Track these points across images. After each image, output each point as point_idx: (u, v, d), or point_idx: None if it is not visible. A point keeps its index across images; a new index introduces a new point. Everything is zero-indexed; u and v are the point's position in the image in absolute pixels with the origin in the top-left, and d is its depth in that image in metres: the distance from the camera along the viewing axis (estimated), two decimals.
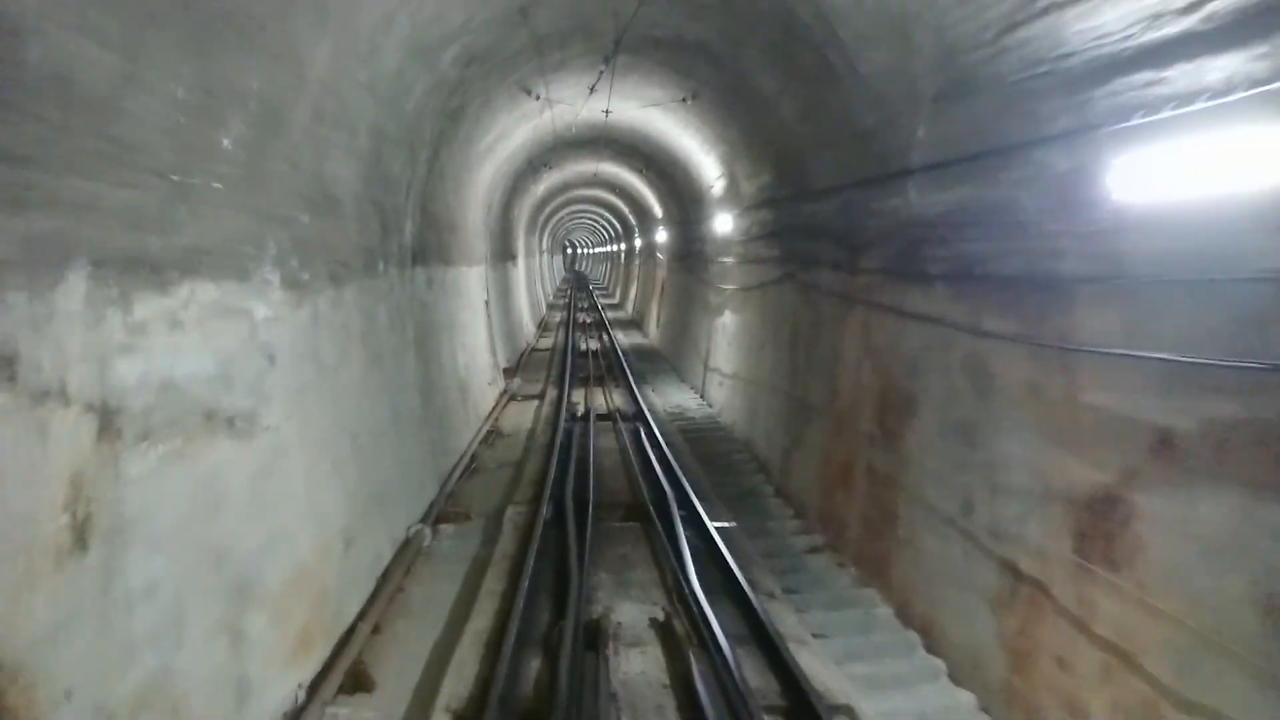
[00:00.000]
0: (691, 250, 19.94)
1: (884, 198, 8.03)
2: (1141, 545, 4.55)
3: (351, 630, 6.28)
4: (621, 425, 13.37)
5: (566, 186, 29.70)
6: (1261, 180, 3.83)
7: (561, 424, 13.09)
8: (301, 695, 5.35)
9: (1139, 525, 4.58)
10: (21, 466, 3.33)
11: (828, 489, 9.13)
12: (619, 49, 10.55)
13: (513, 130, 14.50)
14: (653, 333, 26.68)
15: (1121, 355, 4.78)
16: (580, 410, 14.44)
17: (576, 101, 13.55)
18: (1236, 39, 3.91)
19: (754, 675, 5.48)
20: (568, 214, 46.24)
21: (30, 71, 3.33)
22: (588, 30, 10.46)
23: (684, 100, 12.82)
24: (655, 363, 21.73)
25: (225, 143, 5.09)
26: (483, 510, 9.46)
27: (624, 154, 20.35)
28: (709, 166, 15.33)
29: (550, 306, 40.39)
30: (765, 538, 8.77)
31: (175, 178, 4.54)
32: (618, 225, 42.29)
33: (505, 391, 16.66)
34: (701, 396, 16.78)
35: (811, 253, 10.46)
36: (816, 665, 5.62)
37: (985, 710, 5.54)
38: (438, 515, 9.08)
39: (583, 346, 23.31)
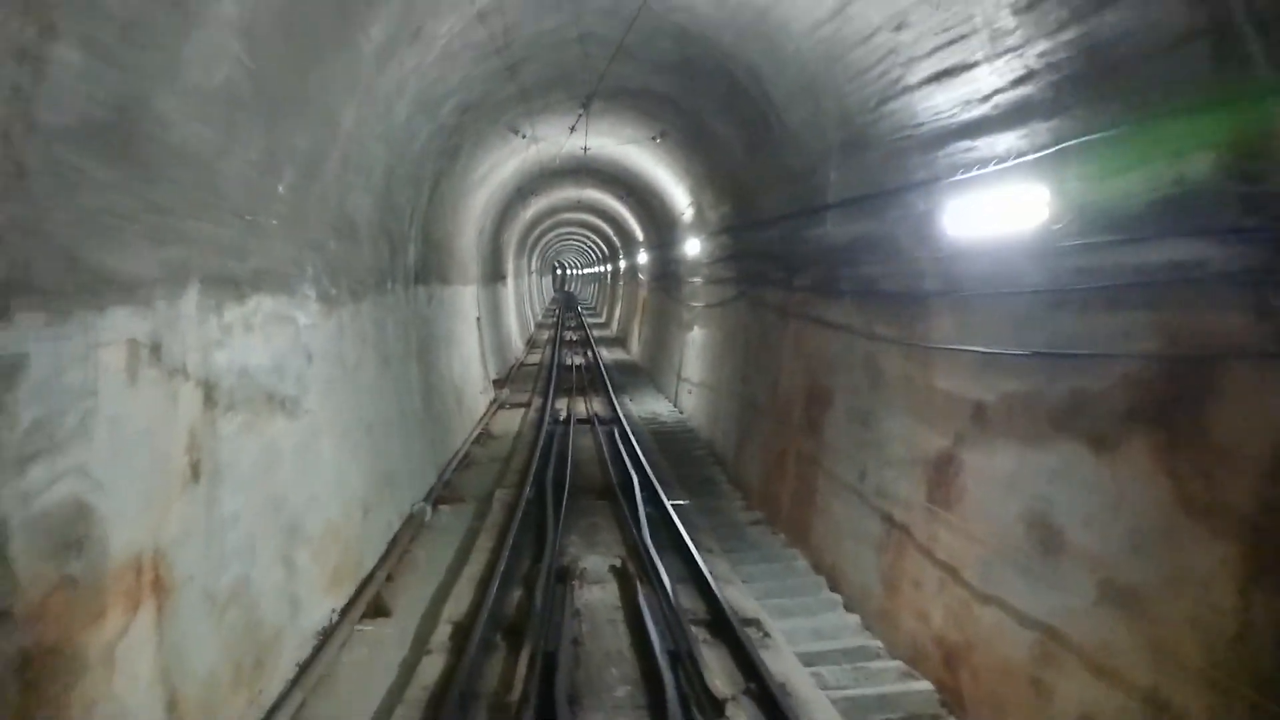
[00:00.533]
0: (667, 271, 21.61)
1: (811, 227, 9.67)
2: (965, 489, 6.15)
3: (369, 577, 7.79)
4: (599, 428, 14.92)
5: (554, 211, 31.39)
6: (1025, 223, 5.45)
7: (545, 427, 14.63)
8: (335, 617, 6.86)
9: (964, 475, 6.18)
10: (164, 419, 4.89)
11: (768, 474, 10.72)
12: (594, 97, 12.21)
13: (502, 163, 16.16)
14: (635, 349, 28.27)
15: (955, 349, 6.41)
16: (563, 415, 15.99)
17: (559, 139, 15.21)
18: (1011, 122, 5.55)
19: (687, 601, 7.03)
20: (555, 236, 47.94)
21: (170, 149, 4.92)
22: (568, 81, 12.11)
23: (654, 139, 14.49)
24: (635, 376, 23.31)
25: (280, 189, 6.68)
26: (475, 494, 10.98)
27: (606, 182, 22.04)
28: (680, 196, 17.01)
29: (539, 325, 41.94)
30: (714, 514, 10.34)
31: (248, 218, 6.13)
32: (604, 247, 43.97)
33: (495, 400, 18.19)
34: (674, 404, 18.36)
35: (760, 274, 12.11)
36: (739, 597, 7.17)
37: (867, 629, 7.10)
38: (437, 498, 10.60)
39: (568, 362, 24.90)
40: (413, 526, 9.42)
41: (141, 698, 4.37)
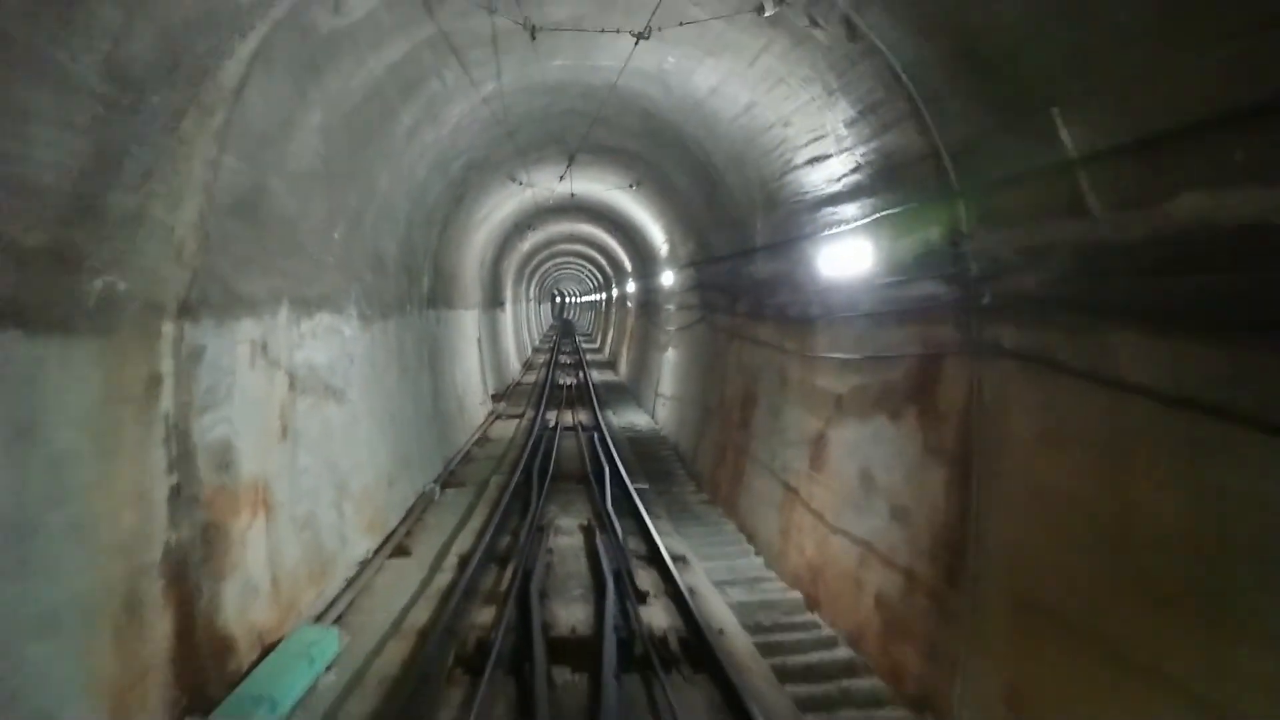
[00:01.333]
0: (649, 300, 24.07)
1: (747, 265, 12.10)
2: (829, 457, 8.52)
3: (393, 531, 10.12)
4: (582, 434, 17.26)
5: (550, 243, 33.93)
6: (861, 267, 7.87)
7: (536, 432, 16.97)
8: (370, 553, 9.19)
9: (829, 447, 8.55)
10: (266, 394, 7.26)
11: (714, 464, 13.07)
12: (579, 153, 14.71)
13: (502, 205, 18.66)
14: (623, 370, 30.66)
15: (827, 357, 8.81)
16: (552, 424, 18.34)
17: (551, 184, 17.72)
18: (852, 197, 7.99)
19: (633, 545, 9.36)
20: (553, 265, 50.46)
21: (274, 214, 7.34)
22: (557, 140, 14.60)
23: (630, 186, 16.99)
24: (620, 394, 25.67)
25: (335, 236, 9.12)
26: (475, 481, 13.31)
27: (595, 218, 24.55)
28: (657, 233, 19.49)
29: (535, 350, 44.31)
30: (669, 495, 12.66)
31: (315, 257, 8.55)
32: (599, 276, 46.47)
33: (492, 411, 20.55)
34: (651, 416, 20.71)
35: (714, 302, 14.54)
36: (674, 544, 9.49)
37: (768, 566, 9.42)
38: (443, 482, 12.93)
39: (560, 381, 27.28)
40: (424, 501, 11.75)
41: (259, 571, 6.71)
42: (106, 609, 4.84)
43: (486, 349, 22.51)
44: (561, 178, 16.74)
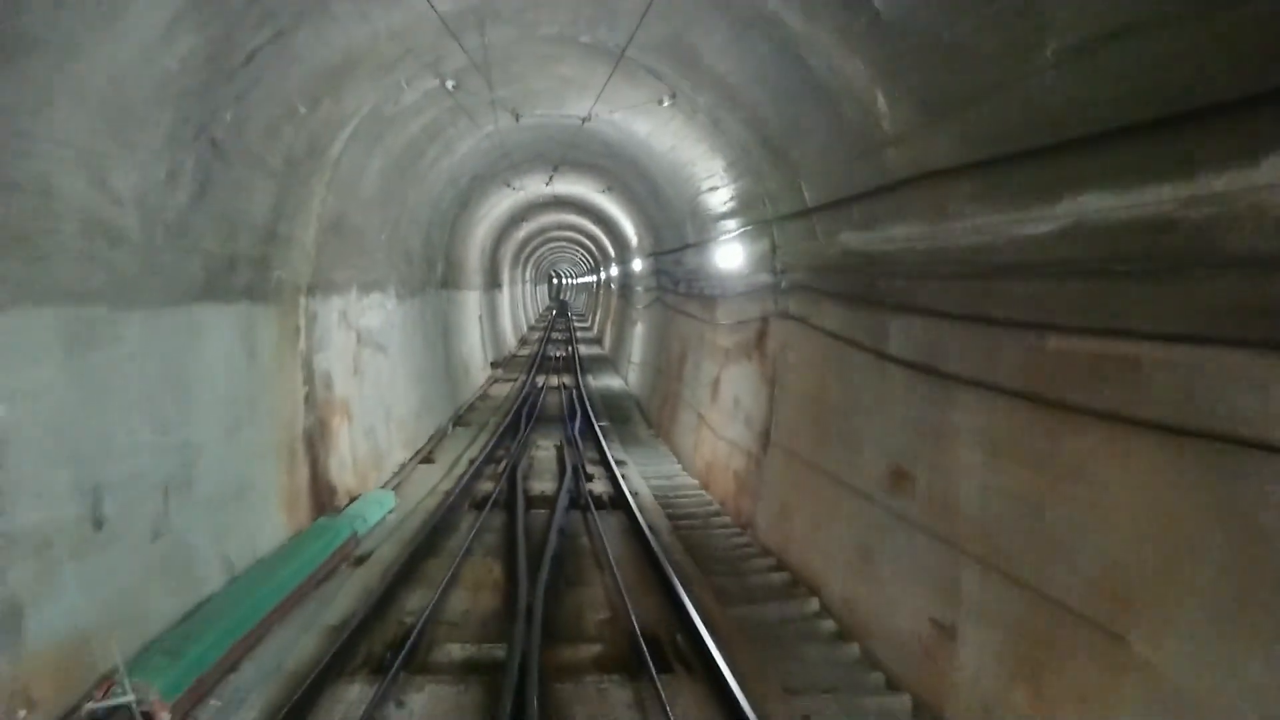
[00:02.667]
0: (626, 282, 28.04)
1: (683, 257, 16.07)
2: (720, 392, 12.56)
3: (420, 450, 14.16)
4: (564, 392, 21.29)
5: (542, 230, 37.77)
6: (736, 262, 11.84)
7: (526, 390, 21.00)
8: (406, 461, 13.23)
9: (721, 385, 12.59)
10: (345, 344, 11.27)
11: (660, 409, 17.13)
12: (560, 166, 18.63)
13: (499, 204, 22.59)
14: (607, 345, 34.69)
15: (721, 324, 12.83)
16: (540, 385, 22.37)
17: (539, 187, 21.63)
18: (732, 215, 11.96)
19: (590, 456, 13.41)
20: (549, 249, 54.26)
21: (351, 227, 11.32)
22: (543, 157, 18.50)
23: (604, 190, 20.91)
24: (602, 364, 29.70)
25: (382, 238, 13.10)
26: (477, 423, 17.35)
27: (581, 211, 28.43)
28: (628, 226, 23.42)
29: (531, 328, 48.24)
30: (624, 431, 16.71)
31: (371, 255, 12.54)
32: (591, 260, 50.31)
33: (491, 376, 24.58)
34: (624, 380, 24.75)
35: (665, 284, 18.53)
36: (620, 455, 13.55)
37: (684, 469, 13.47)
38: (454, 422, 16.97)
39: (551, 354, 31.30)
40: (440, 433, 15.80)
41: (346, 453, 10.75)
42: (282, 453, 8.88)
43: (486, 324, 26.51)
44: (547, 183, 20.68)
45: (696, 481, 12.51)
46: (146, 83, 5.83)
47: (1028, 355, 5.20)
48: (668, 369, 17.34)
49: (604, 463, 12.96)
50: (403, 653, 6.07)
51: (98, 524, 5.67)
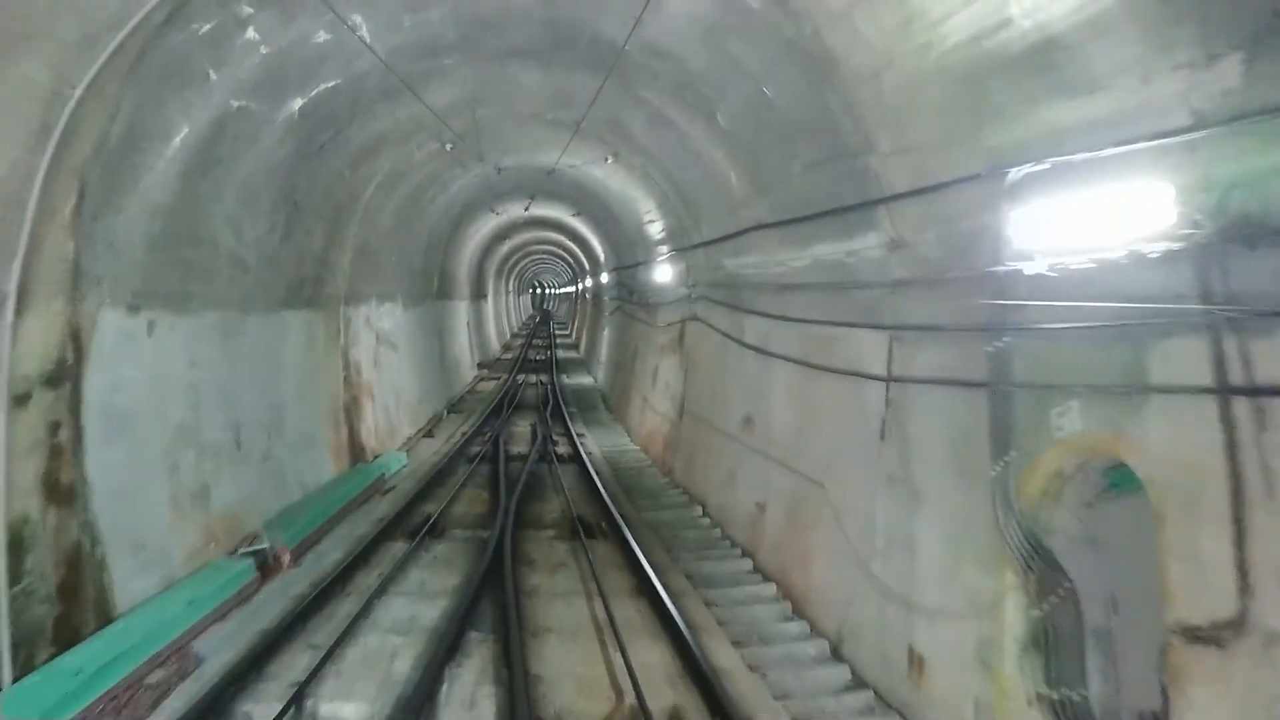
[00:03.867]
0: (598, 293, 31.67)
1: (635, 273, 19.69)
2: (657, 379, 16.17)
3: (422, 428, 17.67)
4: (541, 387, 24.83)
5: (524, 245, 41.33)
6: (669, 277, 15.44)
7: (508, 386, 24.52)
8: (411, 435, 16.75)
9: (657, 373, 16.21)
10: (369, 343, 14.80)
11: (619, 399, 20.72)
12: (536, 196, 22.24)
13: (485, 225, 26.16)
14: (582, 348, 38.26)
15: (659, 325, 16.46)
16: (521, 381, 25.90)
17: (519, 211, 25.22)
18: (664, 243, 15.58)
19: (557, 431, 16.97)
20: (531, 261, 57.77)
21: (370, 253, 14.86)
22: (522, 188, 22.07)
23: (574, 214, 24.53)
24: (577, 365, 33.26)
25: (393, 260, 16.65)
26: (468, 411, 20.86)
27: (558, 228, 32.02)
28: (597, 244, 27.04)
29: (514, 334, 51.69)
30: (589, 415, 20.27)
31: (385, 272, 16.10)
32: (570, 271, 53.86)
33: (477, 375, 28.08)
34: (594, 378, 28.32)
35: (624, 295, 22.15)
36: (582, 432, 17.12)
37: (632, 441, 17.05)
38: (448, 409, 20.48)
39: (532, 357, 34.84)
40: (437, 417, 19.31)
41: (370, 423, 14.26)
42: (329, 417, 12.39)
43: (474, 330, 30.04)
44: (525, 209, 24.29)
45: (638, 447, 16.09)
46: (263, 172, 9.38)
47: (801, 338, 8.83)
48: (624, 364, 20.94)
49: (568, 435, 16.51)
50: (425, 528, 9.62)
51: (238, 445, 9.18)
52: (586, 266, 36.55)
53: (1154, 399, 4.16)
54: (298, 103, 9.02)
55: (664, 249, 15.66)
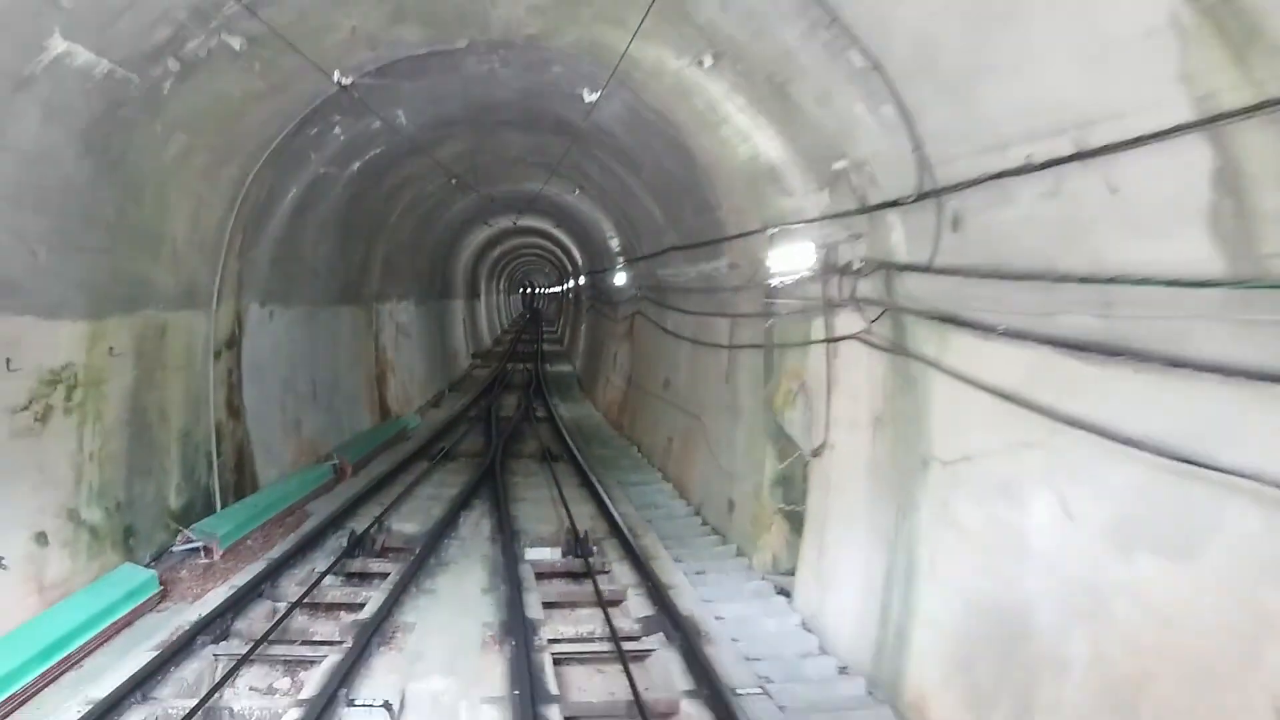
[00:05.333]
0: (578, 295, 36.08)
1: (604, 277, 24.07)
2: (616, 361, 20.58)
3: (429, 400, 22.03)
4: (527, 373, 29.19)
5: (515, 249, 45.69)
6: (623, 282, 19.85)
7: (499, 372, 28.89)
8: (421, 405, 21.11)
9: (616, 357, 20.62)
10: (390, 331, 19.15)
11: (590, 381, 25.13)
12: (524, 211, 26.62)
13: (479, 235, 30.53)
14: (565, 343, 42.68)
15: (618, 319, 20.88)
16: (510, 369, 30.28)
17: (510, 223, 29.57)
18: (620, 255, 20.00)
19: (538, 403, 21.37)
20: (520, 264, 62.14)
21: (393, 262, 19.23)
22: (511, 206, 26.44)
23: (556, 226, 28.90)
24: (559, 357, 37.64)
25: (408, 267, 21.02)
26: (465, 390, 25.21)
27: (543, 236, 36.38)
28: (576, 251, 31.42)
29: (505, 330, 55.98)
30: (564, 394, 24.65)
31: (403, 277, 20.48)
32: (558, 273, 58.19)
33: (472, 364, 32.44)
34: (573, 367, 32.71)
35: (595, 295, 26.55)
36: (557, 404, 21.52)
37: (596, 409, 21.43)
38: (449, 388, 24.83)
39: (521, 350, 39.22)
40: (440, 394, 23.66)
41: (392, 391, 18.61)
42: (366, 384, 16.76)
43: (469, 324, 34.40)
44: (514, 223, 28.67)
45: (601, 414, 20.48)
46: (331, 211, 13.71)
47: (694, 324, 13.23)
48: (594, 352, 25.34)
49: (546, 405, 20.88)
50: (440, 454, 14.00)
51: (314, 396, 13.53)
52: (569, 269, 40.91)
53: (812, 348, 8.57)
54: (356, 165, 13.37)
55: (620, 259, 20.05)
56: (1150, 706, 3.99)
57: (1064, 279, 4.74)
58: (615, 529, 9.89)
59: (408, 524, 10.16)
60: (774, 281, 9.33)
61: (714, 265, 11.66)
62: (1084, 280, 4.59)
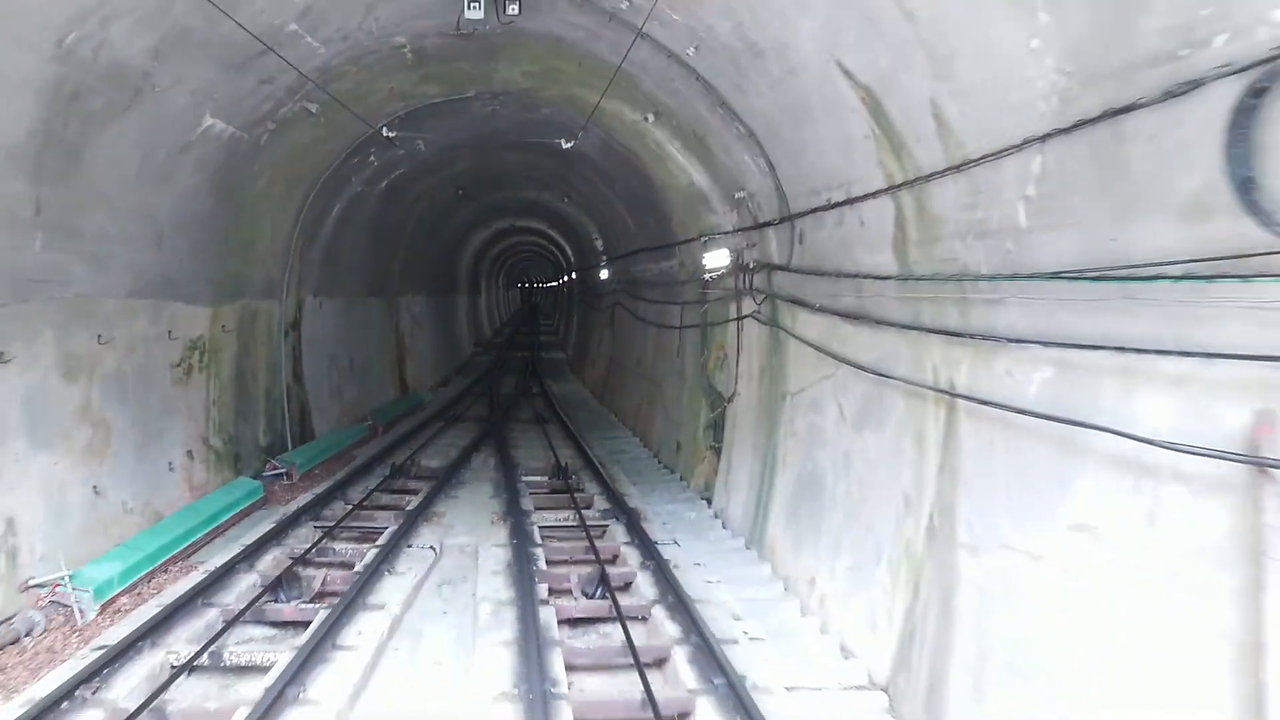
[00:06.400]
0: (570, 289, 39.28)
1: (591, 273, 27.26)
2: (601, 345, 23.84)
3: (438, 381, 25.25)
4: (524, 360, 32.41)
5: (513, 246, 48.84)
6: (606, 278, 23.06)
7: (498, 359, 32.10)
8: (433, 384, 24.33)
9: (601, 343, 23.84)
10: (407, 322, 22.37)
11: (578, 363, 28.34)
12: (521, 214, 29.79)
13: (479, 236, 33.70)
14: (560, 334, 45.89)
15: (601, 309, 24.11)
16: (508, 357, 33.50)
17: (509, 224, 32.74)
18: (603, 255, 23.20)
19: (534, 385, 24.60)
20: (517, 259, 65.23)
21: (410, 264, 22.42)
22: (511, 210, 29.62)
23: (550, 228, 32.07)
24: (554, 346, 40.85)
25: (421, 266, 24.24)
26: (468, 374, 28.43)
27: (539, 235, 39.54)
28: (570, 249, 34.59)
29: (504, 324, 59.18)
30: (556, 376, 27.87)
31: (419, 275, 23.69)
32: (555, 268, 61.31)
33: (474, 351, 35.65)
34: (565, 354, 35.93)
35: (585, 289, 29.75)
36: (551, 385, 24.74)
37: (585, 388, 24.65)
38: (454, 372, 28.04)
39: (520, 339, 42.45)
40: (447, 377, 26.87)
41: (409, 373, 21.84)
42: (390, 365, 19.97)
43: (470, 316, 37.60)
44: (512, 224, 31.85)
45: (588, 391, 23.69)
46: (365, 220, 16.91)
47: (657, 311, 16.45)
48: (584, 339, 28.55)
49: (540, 384, 24.08)
50: (453, 416, 17.22)
51: (351, 370, 16.75)
52: (564, 265, 44.09)
53: (730, 325, 11.77)
54: (384, 183, 16.56)
55: (604, 258, 23.26)
56: (866, 514, 7.20)
57: (841, 276, 7.95)
58: (589, 463, 13.11)
59: (432, 460, 13.38)
60: (707, 276, 12.54)
61: (669, 264, 14.86)
62: (850, 276, 7.79)
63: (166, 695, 5.52)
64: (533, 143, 16.45)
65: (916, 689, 5.78)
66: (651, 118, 11.42)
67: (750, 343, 10.85)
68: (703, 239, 12.53)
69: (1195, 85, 3.81)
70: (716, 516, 10.78)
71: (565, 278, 44.64)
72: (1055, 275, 4.91)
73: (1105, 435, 4.40)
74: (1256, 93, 3.55)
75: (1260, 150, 3.57)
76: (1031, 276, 5.16)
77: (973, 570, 5.50)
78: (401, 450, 14.18)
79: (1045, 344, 5.04)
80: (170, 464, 9.59)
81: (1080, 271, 4.70)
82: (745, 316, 10.93)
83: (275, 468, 11.95)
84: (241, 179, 10.99)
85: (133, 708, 5.16)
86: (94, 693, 5.50)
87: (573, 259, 34.31)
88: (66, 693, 5.34)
